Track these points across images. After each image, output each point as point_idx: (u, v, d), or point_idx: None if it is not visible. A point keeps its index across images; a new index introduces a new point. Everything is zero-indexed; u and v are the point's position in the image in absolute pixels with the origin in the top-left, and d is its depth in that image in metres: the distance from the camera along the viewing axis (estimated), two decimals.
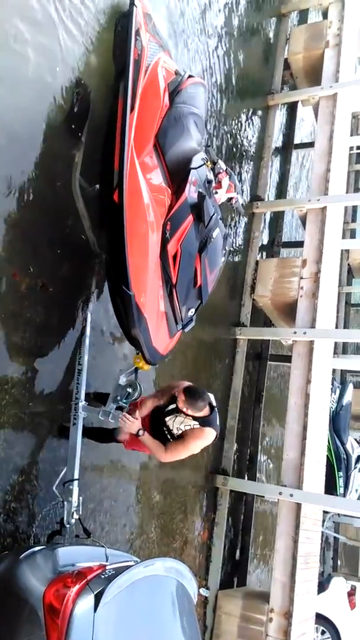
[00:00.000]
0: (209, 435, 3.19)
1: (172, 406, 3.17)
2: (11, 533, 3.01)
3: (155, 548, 4.48)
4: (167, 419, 3.20)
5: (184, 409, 3.08)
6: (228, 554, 5.85)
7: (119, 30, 3.55)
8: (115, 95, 3.24)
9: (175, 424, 3.17)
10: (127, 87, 3.05)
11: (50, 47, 3.22)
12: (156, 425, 3.26)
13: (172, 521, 4.84)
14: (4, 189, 2.92)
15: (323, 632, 6.85)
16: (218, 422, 3.25)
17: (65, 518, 2.96)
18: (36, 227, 3.18)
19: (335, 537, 9.94)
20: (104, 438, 3.49)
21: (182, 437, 3.17)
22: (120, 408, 3.19)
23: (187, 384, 3.28)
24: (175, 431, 3.18)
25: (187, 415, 3.12)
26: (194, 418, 3.12)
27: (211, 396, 3.20)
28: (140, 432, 3.10)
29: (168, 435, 3.21)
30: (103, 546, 2.64)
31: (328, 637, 6.86)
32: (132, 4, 3.42)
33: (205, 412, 3.12)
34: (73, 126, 3.43)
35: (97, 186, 3.46)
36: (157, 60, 3.47)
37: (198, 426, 3.14)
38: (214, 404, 3.20)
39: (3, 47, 2.90)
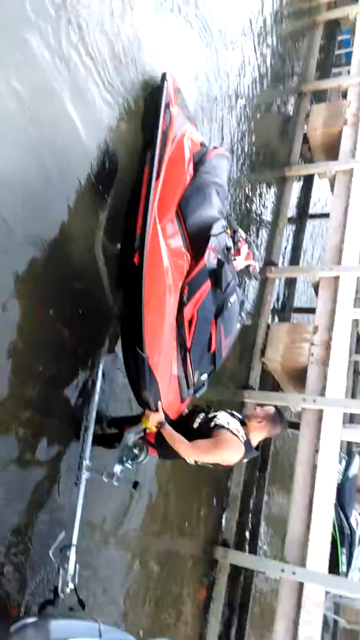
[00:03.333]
0: (239, 450, 2.95)
1: (242, 416, 3.12)
2: (1, 600, 2.86)
3: (148, 623, 4.24)
4: (223, 414, 3.06)
5: (260, 424, 3.02)
6: (223, 634, 5.52)
7: (150, 102, 3.75)
8: (142, 162, 3.38)
9: (230, 422, 2.99)
10: (154, 156, 3.20)
11: (87, 114, 3.38)
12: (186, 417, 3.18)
13: (168, 594, 4.60)
14: (30, 242, 2.98)
15: None
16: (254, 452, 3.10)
17: (59, 586, 2.81)
18: (56, 279, 3.23)
19: (334, 620, 9.36)
20: (114, 438, 3.33)
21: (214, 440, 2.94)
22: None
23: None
24: (217, 422, 2.99)
25: (245, 427, 3.03)
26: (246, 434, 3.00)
27: None
28: (163, 424, 2.97)
29: (197, 422, 3.10)
30: (97, 621, 2.50)
31: None
32: (163, 79, 3.64)
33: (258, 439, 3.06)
34: (100, 187, 3.54)
35: (118, 245, 3.55)
36: (184, 131, 3.64)
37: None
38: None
39: (42, 108, 3.04)
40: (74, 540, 2.92)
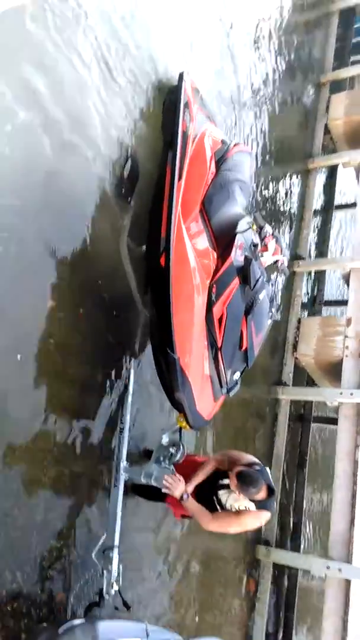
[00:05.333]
0: (264, 518, 3.02)
1: (227, 481, 3.01)
2: (47, 603, 2.90)
3: (193, 624, 4.23)
4: (220, 492, 3.05)
5: (237, 493, 2.91)
6: (271, 633, 5.46)
7: (168, 103, 3.75)
8: (163, 164, 3.39)
9: (230, 500, 3.00)
10: (175, 157, 3.20)
11: (104, 116, 3.40)
12: (206, 491, 3.10)
13: (212, 595, 4.58)
14: (55, 249, 3.02)
15: None
16: (275, 503, 3.07)
17: (104, 588, 2.84)
18: (83, 285, 3.26)
19: None
20: (153, 496, 3.37)
21: (235, 512, 3.00)
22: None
23: (248, 460, 3.07)
24: (228, 507, 3.02)
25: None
26: (251, 499, 2.94)
27: (269, 474, 3.02)
28: (185, 497, 2.97)
29: (218, 507, 3.05)
30: (143, 622, 2.51)
31: None
32: (180, 79, 3.64)
33: (262, 495, 2.91)
34: (123, 190, 3.57)
35: (144, 247, 3.56)
36: (204, 130, 3.64)
37: (254, 508, 2.95)
38: (272, 485, 2.98)
39: (64, 110, 3.08)
40: (116, 542, 2.95)
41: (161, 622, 3.82)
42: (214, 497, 3.07)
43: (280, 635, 5.73)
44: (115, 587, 2.85)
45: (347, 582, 4.63)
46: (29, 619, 2.74)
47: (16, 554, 2.73)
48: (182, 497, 2.97)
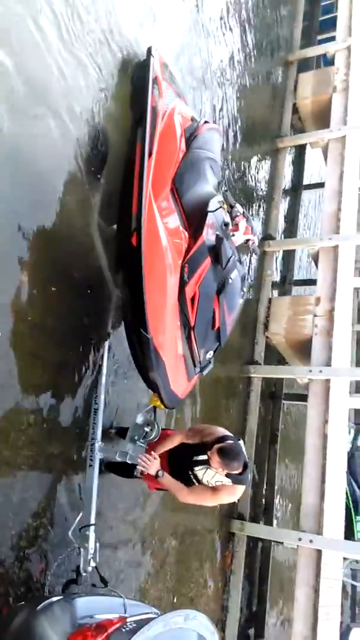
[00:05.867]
0: (239, 492, 3.09)
1: (203, 457, 3.03)
2: (25, 581, 2.91)
3: (170, 598, 4.32)
4: (196, 468, 3.08)
5: (218, 469, 2.94)
6: (245, 604, 5.62)
7: (137, 78, 3.68)
8: (133, 141, 3.33)
9: (206, 477, 3.04)
10: (145, 133, 3.15)
11: (71, 92, 3.32)
12: (181, 466, 3.14)
13: (188, 569, 4.68)
14: (24, 228, 2.96)
15: None
16: (249, 475, 3.14)
17: (81, 565, 2.86)
18: (53, 265, 3.21)
19: (352, 585, 9.53)
20: (127, 473, 3.39)
21: (211, 487, 3.05)
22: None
23: (221, 433, 3.09)
24: (205, 483, 3.06)
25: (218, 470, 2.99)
26: (227, 475, 2.98)
27: (243, 447, 3.03)
28: (160, 474, 2.99)
29: (195, 482, 3.10)
30: (121, 596, 2.55)
31: None
32: (149, 54, 3.57)
33: (239, 469, 2.96)
34: (92, 168, 3.51)
35: (115, 226, 3.52)
36: (173, 107, 3.58)
37: (230, 483, 3.01)
38: (247, 460, 3.01)
39: (28, 86, 3.00)
40: (92, 520, 2.97)
41: (139, 596, 3.88)
42: (190, 473, 3.11)
43: (254, 605, 5.92)
44: (92, 564, 2.88)
45: (318, 553, 4.79)
46: (6, 598, 2.75)
47: None
48: (157, 474, 3.00)
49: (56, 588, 3.03)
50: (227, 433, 3.13)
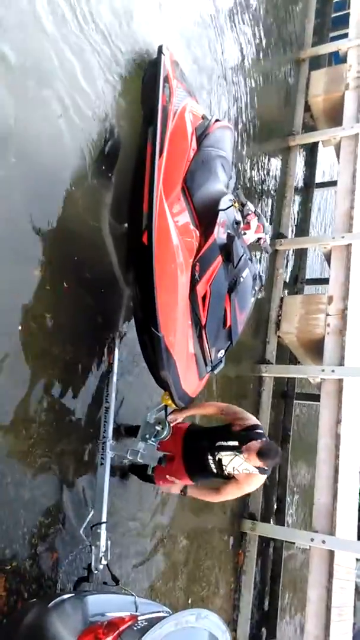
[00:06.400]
0: (261, 481, 3.14)
1: (234, 443, 3.01)
2: (36, 579, 2.92)
3: (182, 596, 4.31)
4: (223, 453, 3.05)
5: (255, 464, 2.95)
6: (257, 604, 5.60)
7: (147, 77, 3.68)
8: (144, 139, 3.33)
9: (233, 463, 3.02)
10: (155, 132, 3.15)
11: (83, 92, 3.33)
12: (198, 447, 3.14)
13: (199, 568, 4.67)
14: (36, 226, 2.98)
15: None
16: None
17: (92, 563, 2.87)
18: (65, 263, 3.22)
19: None
20: (150, 478, 3.41)
21: (232, 478, 3.06)
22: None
23: (252, 422, 3.13)
24: (230, 470, 3.04)
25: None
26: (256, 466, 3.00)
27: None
28: (185, 492, 3.14)
29: (212, 466, 3.09)
30: (133, 595, 2.55)
31: None
32: (160, 52, 3.57)
33: (272, 466, 3.05)
34: (103, 167, 3.51)
35: (126, 225, 3.53)
36: (184, 105, 3.58)
37: (257, 472, 3.02)
38: None
39: (40, 88, 3.01)
40: (104, 518, 2.97)
41: (150, 595, 3.88)
42: (209, 456, 3.10)
43: (266, 605, 5.89)
44: (104, 562, 2.88)
45: (331, 553, 4.76)
46: (18, 595, 2.76)
47: (4, 532, 2.73)
48: (183, 491, 3.11)
49: (68, 586, 3.04)
50: (258, 422, 3.20)
